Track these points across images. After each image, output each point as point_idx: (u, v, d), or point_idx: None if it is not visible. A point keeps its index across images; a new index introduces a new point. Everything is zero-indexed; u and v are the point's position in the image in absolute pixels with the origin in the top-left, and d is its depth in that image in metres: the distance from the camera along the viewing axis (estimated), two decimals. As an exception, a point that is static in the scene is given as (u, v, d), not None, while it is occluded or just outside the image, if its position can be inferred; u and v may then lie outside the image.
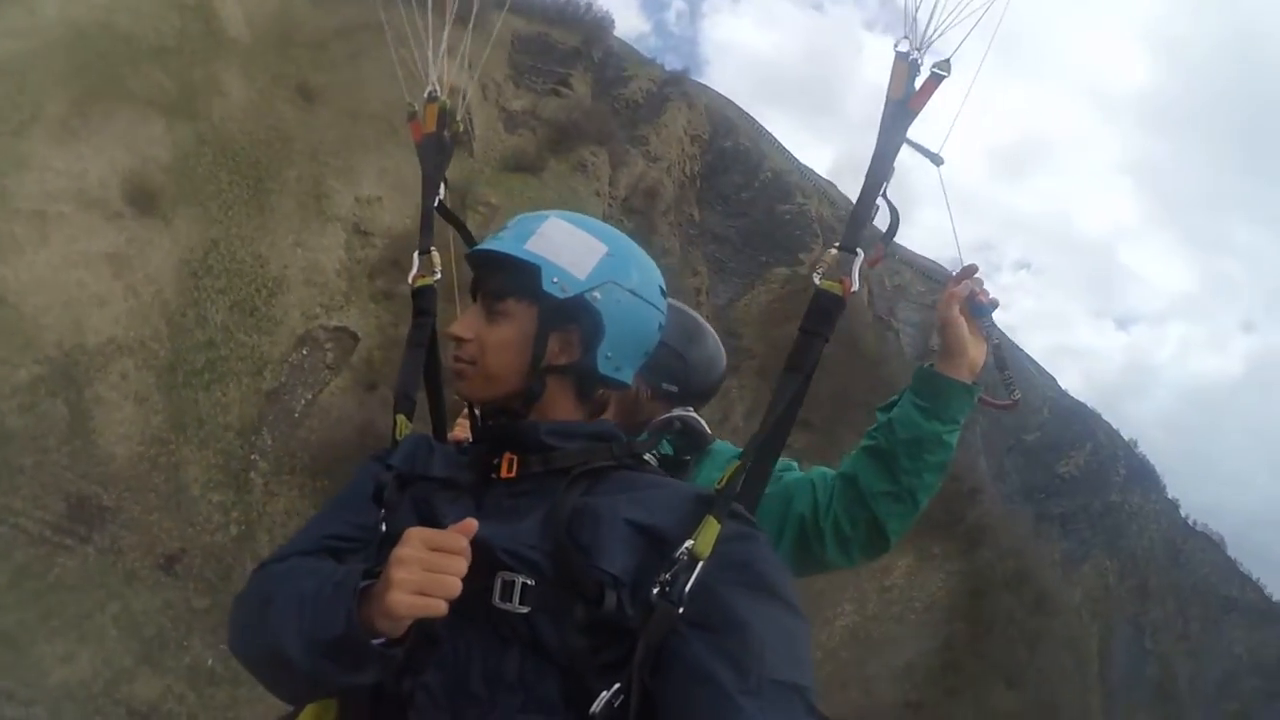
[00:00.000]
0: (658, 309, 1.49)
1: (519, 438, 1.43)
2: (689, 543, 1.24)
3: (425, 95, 2.00)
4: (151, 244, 4.98)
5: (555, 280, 1.40)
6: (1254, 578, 45.54)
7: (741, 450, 2.17)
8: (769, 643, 1.19)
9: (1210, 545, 46.70)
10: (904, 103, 1.64)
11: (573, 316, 1.41)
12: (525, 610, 1.24)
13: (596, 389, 1.47)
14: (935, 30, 1.65)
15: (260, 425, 5.19)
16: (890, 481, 1.86)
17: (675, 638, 1.20)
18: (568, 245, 1.43)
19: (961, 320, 1.85)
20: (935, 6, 1.65)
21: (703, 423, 2.15)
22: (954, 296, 1.87)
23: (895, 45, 1.67)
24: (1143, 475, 44.21)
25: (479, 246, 1.51)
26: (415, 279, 1.87)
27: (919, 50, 1.65)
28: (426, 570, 1.14)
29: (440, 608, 1.14)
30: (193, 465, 4.88)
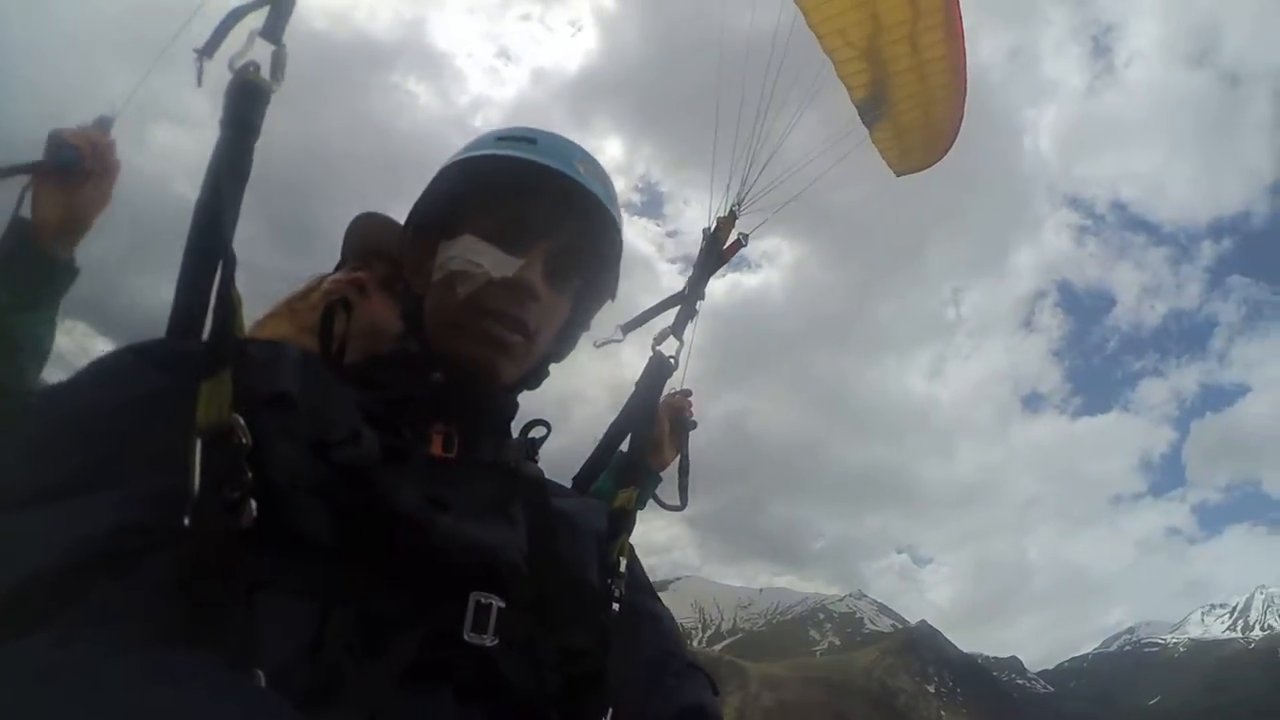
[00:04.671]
0: None
1: (491, 415, 1.09)
2: (619, 558, 1.17)
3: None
4: None
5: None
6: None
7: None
8: (679, 637, 1.21)
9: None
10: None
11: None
12: (493, 644, 0.89)
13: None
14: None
15: None
16: None
17: None
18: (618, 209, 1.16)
19: (666, 423, 2.19)
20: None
21: None
22: (669, 407, 2.19)
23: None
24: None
25: (570, 173, 1.06)
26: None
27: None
28: None
29: None
30: None
